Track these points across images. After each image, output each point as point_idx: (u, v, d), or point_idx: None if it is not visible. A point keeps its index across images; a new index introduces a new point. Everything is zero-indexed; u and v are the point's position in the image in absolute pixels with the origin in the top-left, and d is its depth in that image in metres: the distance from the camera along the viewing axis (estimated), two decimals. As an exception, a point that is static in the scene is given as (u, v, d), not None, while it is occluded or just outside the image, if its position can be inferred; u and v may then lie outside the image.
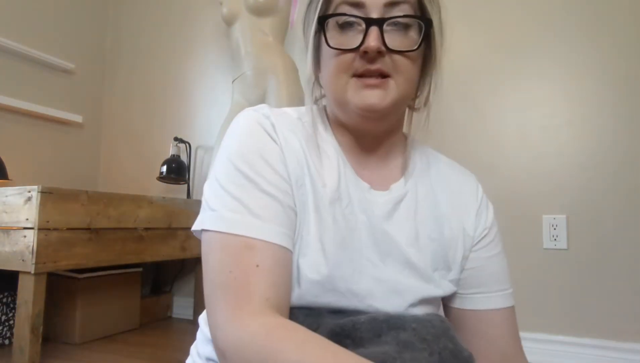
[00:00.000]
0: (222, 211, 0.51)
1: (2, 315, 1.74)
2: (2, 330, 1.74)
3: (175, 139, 2.26)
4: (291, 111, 0.62)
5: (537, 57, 1.72)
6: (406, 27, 0.54)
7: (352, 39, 0.54)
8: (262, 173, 0.53)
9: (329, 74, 0.57)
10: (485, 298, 0.62)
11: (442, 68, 0.60)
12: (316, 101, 0.65)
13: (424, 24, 0.55)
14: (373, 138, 0.62)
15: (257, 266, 0.48)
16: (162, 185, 2.31)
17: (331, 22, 0.56)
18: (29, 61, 2.18)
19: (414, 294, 0.56)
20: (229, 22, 1.92)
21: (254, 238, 0.49)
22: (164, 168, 2.17)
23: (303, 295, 0.52)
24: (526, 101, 1.73)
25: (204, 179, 2.24)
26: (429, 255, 0.60)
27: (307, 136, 0.59)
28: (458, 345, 0.47)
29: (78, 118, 2.40)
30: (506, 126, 1.75)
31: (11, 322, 1.75)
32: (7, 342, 1.74)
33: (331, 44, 0.55)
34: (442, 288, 0.59)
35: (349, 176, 0.59)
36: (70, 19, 2.41)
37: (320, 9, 0.57)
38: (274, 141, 0.56)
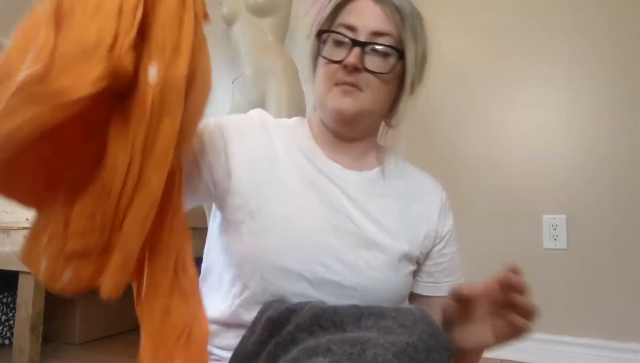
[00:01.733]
0: None
1: (2, 315, 1.74)
2: (2, 330, 1.74)
3: (175, 139, 2.25)
4: (270, 118, 0.75)
5: (537, 57, 1.72)
6: (386, 55, 0.66)
7: (340, 54, 0.66)
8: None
9: (318, 80, 0.70)
10: (435, 288, 0.73)
11: (413, 98, 0.71)
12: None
13: (398, 55, 0.66)
14: (347, 140, 0.72)
15: None
16: (162, 185, 2.30)
17: (330, 39, 0.68)
18: (29, 61, 2.18)
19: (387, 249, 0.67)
20: (229, 22, 1.92)
21: None
22: (164, 168, 2.17)
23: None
24: (526, 100, 1.73)
25: (204, 179, 2.23)
26: (395, 225, 0.69)
27: (291, 139, 0.71)
28: (437, 329, 0.49)
29: (78, 118, 2.40)
30: (506, 126, 1.76)
31: (11, 322, 1.75)
32: (7, 342, 1.74)
33: (323, 54, 0.68)
34: (408, 267, 0.69)
35: (318, 158, 0.70)
36: (70, 19, 2.41)
37: (324, 26, 0.70)
38: (257, 127, 0.70)
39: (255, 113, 0.73)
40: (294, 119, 0.77)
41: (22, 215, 1.47)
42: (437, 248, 0.73)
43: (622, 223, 1.56)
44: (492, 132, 1.77)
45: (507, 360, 1.60)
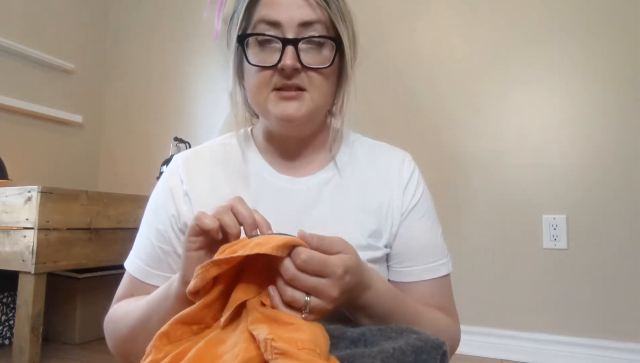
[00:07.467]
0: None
1: (2, 315, 1.74)
2: (2, 330, 1.74)
3: (175, 139, 2.26)
4: (206, 147, 0.73)
5: (538, 57, 1.72)
6: (320, 45, 0.60)
7: (271, 56, 0.60)
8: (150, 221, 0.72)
9: (252, 88, 0.63)
10: (415, 271, 0.67)
11: (354, 80, 0.66)
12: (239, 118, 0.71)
13: (335, 43, 0.61)
14: (297, 141, 0.69)
15: (127, 284, 0.70)
16: (162, 185, 2.30)
17: (251, 38, 0.61)
18: (29, 61, 2.18)
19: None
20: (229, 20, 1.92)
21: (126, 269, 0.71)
22: (164, 168, 2.17)
23: None
24: (526, 101, 1.73)
25: (204, 179, 2.23)
26: (358, 225, 0.66)
27: (225, 165, 0.70)
28: (424, 334, 0.48)
29: (78, 118, 2.40)
30: (507, 126, 1.76)
31: (11, 322, 1.75)
32: (7, 342, 1.74)
33: (252, 61, 0.61)
34: (379, 250, 0.66)
35: (269, 176, 0.68)
36: (70, 19, 2.41)
37: (240, 27, 0.63)
38: (179, 185, 0.69)
39: (176, 175, 0.70)
40: (239, 137, 0.73)
41: (22, 215, 1.47)
42: (405, 223, 0.68)
43: (622, 223, 1.56)
44: (493, 133, 1.77)
45: (507, 360, 1.60)
